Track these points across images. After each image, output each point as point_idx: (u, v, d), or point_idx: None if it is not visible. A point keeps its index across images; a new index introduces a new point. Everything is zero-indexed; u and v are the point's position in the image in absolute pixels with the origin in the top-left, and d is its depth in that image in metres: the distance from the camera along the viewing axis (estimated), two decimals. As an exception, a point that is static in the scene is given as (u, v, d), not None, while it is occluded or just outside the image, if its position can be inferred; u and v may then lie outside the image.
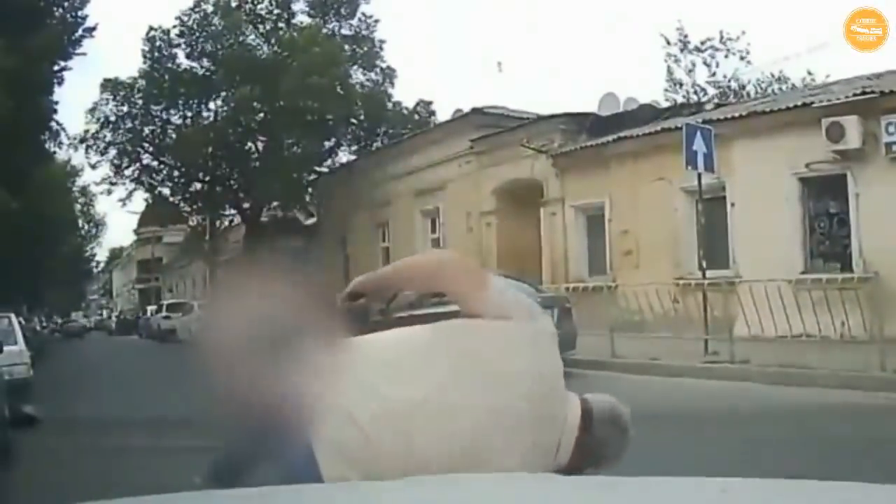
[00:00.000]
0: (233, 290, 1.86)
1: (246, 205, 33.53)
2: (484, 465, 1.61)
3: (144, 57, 31.87)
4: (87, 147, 32.71)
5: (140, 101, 32.12)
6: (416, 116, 32.74)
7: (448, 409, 1.64)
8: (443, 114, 31.05)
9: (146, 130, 33.06)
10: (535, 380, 1.71)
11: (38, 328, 33.51)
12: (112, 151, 33.01)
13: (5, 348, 9.56)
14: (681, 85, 28.80)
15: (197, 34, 31.52)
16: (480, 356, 1.70)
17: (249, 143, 32.72)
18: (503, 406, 1.65)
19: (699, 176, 12.96)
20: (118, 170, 33.42)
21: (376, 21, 33.10)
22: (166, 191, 34.88)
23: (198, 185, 34.25)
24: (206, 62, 31.78)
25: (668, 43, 28.51)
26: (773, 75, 28.54)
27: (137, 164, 33.71)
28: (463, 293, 1.77)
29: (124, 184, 34.01)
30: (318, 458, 1.62)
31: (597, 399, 1.84)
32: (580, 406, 1.79)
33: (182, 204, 35.61)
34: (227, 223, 36.70)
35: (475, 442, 1.63)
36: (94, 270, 78.56)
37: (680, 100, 26.66)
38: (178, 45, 31.82)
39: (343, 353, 1.71)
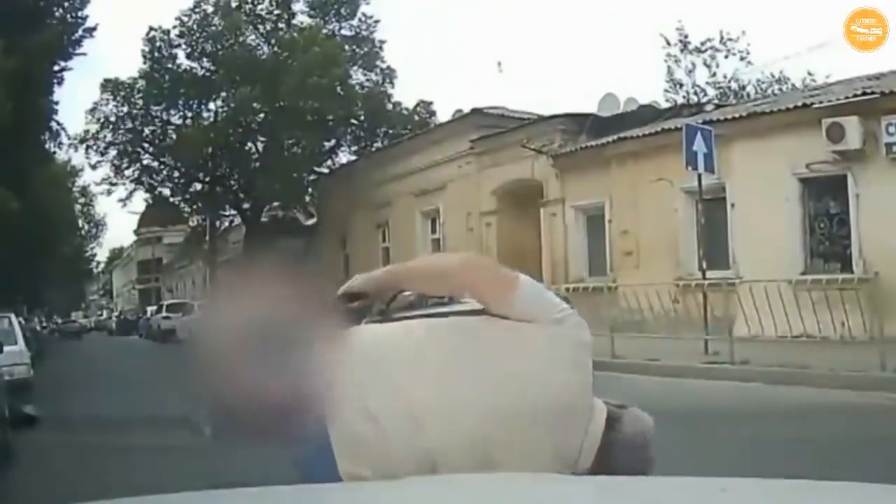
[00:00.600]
0: (233, 290, 1.84)
1: (246, 205, 33.53)
2: (498, 466, 1.60)
3: (144, 57, 31.92)
4: (87, 147, 32.76)
5: (140, 102, 32.13)
6: (416, 117, 32.75)
7: (463, 410, 1.62)
8: (443, 114, 31.12)
9: (146, 131, 33.07)
10: (554, 384, 1.67)
11: (38, 328, 33.51)
12: (112, 152, 33.06)
13: (5, 348, 9.58)
14: (681, 85, 28.80)
15: (197, 34, 31.54)
16: (498, 357, 1.67)
17: (249, 143, 32.73)
18: (520, 409, 1.63)
19: (699, 176, 12.98)
20: (118, 170, 33.45)
21: (376, 21, 33.17)
22: (166, 191, 34.90)
23: (198, 186, 34.25)
24: (206, 62, 31.79)
25: (668, 43, 28.50)
26: (773, 75, 28.54)
27: (137, 165, 33.72)
28: (489, 296, 1.73)
29: (124, 184, 34.08)
30: (335, 452, 1.62)
31: (630, 416, 1.79)
32: (605, 415, 1.75)
33: (182, 204, 35.61)
34: (227, 223, 36.71)
35: (490, 443, 1.61)
36: (95, 270, 78.60)
37: (680, 100, 26.62)
38: (179, 46, 31.86)
39: (356, 348, 1.70)
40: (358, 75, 32.58)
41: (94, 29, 23.59)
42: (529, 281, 1.76)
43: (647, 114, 20.13)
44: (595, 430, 1.70)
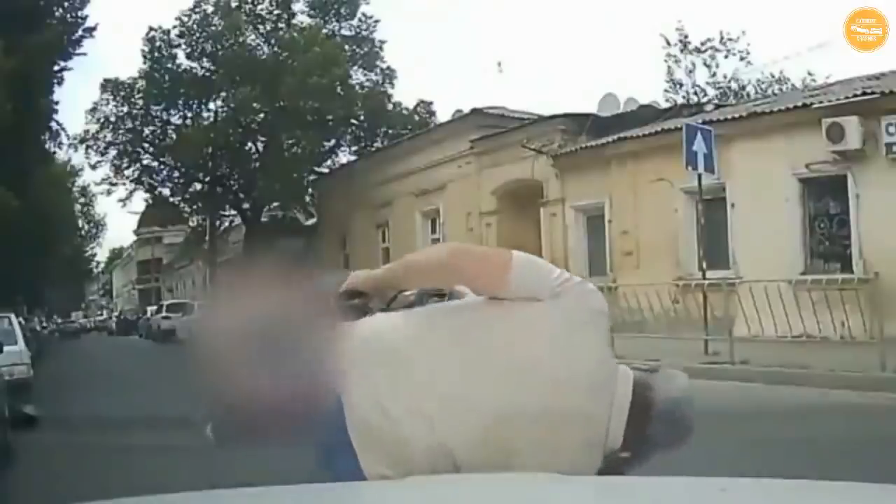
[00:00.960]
0: (233, 290, 1.83)
1: (246, 205, 33.54)
2: (518, 457, 1.57)
3: (144, 57, 31.95)
4: (87, 147, 32.80)
5: (140, 102, 32.16)
6: (416, 117, 32.76)
7: (476, 403, 1.58)
8: (443, 114, 31.15)
9: (146, 131, 33.09)
10: (567, 364, 1.60)
11: (38, 328, 33.51)
12: (112, 152, 33.10)
13: (5, 348, 9.57)
14: (681, 85, 28.82)
15: (197, 34, 31.55)
16: (507, 344, 1.61)
17: (249, 143, 32.76)
18: (533, 397, 1.58)
19: (699, 177, 12.98)
20: (118, 170, 33.49)
21: (376, 21, 33.21)
22: (166, 191, 34.96)
23: (198, 186, 34.27)
24: (206, 62, 31.81)
25: (669, 43, 28.53)
26: (773, 76, 28.56)
27: (137, 165, 33.75)
28: (483, 281, 1.67)
29: (124, 184, 34.14)
30: (356, 451, 1.60)
31: (662, 381, 1.71)
32: (632, 384, 1.66)
33: (182, 204, 35.64)
34: (227, 223, 36.72)
35: (506, 435, 1.57)
36: (95, 270, 78.62)
37: (680, 100, 26.64)
38: (178, 46, 31.87)
39: (364, 342, 1.67)
40: (358, 75, 32.63)
41: (94, 29, 23.66)
42: (523, 257, 1.69)
43: (647, 114, 20.13)
44: (621, 403, 1.63)
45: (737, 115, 15.94)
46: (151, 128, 33.12)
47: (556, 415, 1.59)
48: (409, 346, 1.66)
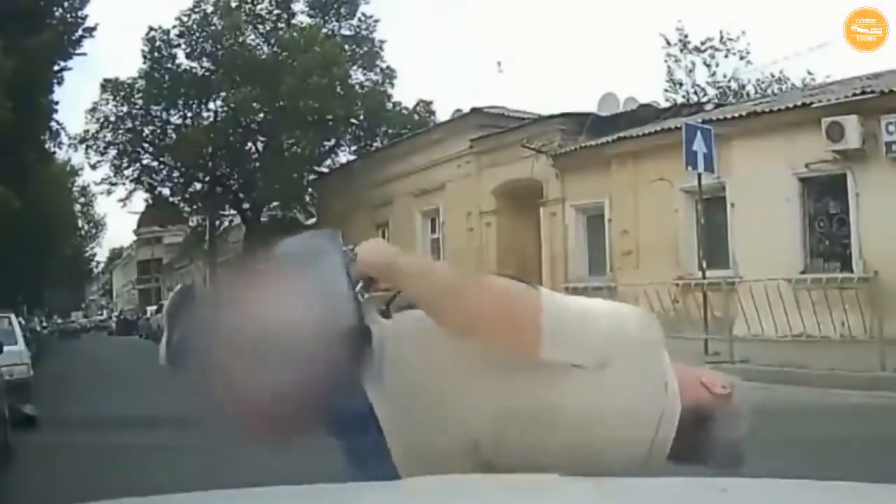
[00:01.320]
0: (232, 290, 1.81)
1: (246, 205, 33.53)
2: (553, 468, 1.53)
3: (144, 57, 31.92)
4: (87, 147, 32.76)
5: (140, 102, 32.14)
6: (416, 116, 32.72)
7: (511, 413, 1.54)
8: (443, 114, 31.07)
9: (146, 131, 33.08)
10: (610, 416, 1.53)
11: (38, 328, 33.50)
12: (112, 151, 33.07)
13: (5, 348, 9.55)
14: (681, 85, 28.85)
15: (197, 34, 31.53)
16: (545, 373, 1.54)
17: (249, 143, 32.74)
18: (573, 419, 1.53)
19: (699, 176, 13.00)
20: (118, 170, 33.47)
21: (376, 21, 33.18)
22: (166, 191, 34.91)
23: (198, 186, 34.24)
24: (206, 62, 31.80)
25: (668, 43, 28.57)
26: (773, 75, 28.59)
27: (137, 165, 33.73)
28: (505, 343, 1.53)
29: (124, 184, 34.10)
30: (392, 453, 1.59)
31: (728, 415, 1.65)
32: (678, 416, 1.57)
33: (182, 204, 35.60)
34: (227, 223, 36.70)
35: (540, 453, 1.56)
36: (95, 270, 78.60)
37: (680, 100, 26.65)
38: (178, 46, 31.85)
39: (396, 344, 1.64)
40: (358, 75, 32.59)
41: (94, 29, 23.64)
42: (556, 320, 1.51)
43: (647, 113, 20.13)
44: (664, 441, 1.57)
45: (737, 115, 15.94)
46: (151, 128, 33.11)
47: (591, 447, 1.56)
48: (441, 351, 1.61)
